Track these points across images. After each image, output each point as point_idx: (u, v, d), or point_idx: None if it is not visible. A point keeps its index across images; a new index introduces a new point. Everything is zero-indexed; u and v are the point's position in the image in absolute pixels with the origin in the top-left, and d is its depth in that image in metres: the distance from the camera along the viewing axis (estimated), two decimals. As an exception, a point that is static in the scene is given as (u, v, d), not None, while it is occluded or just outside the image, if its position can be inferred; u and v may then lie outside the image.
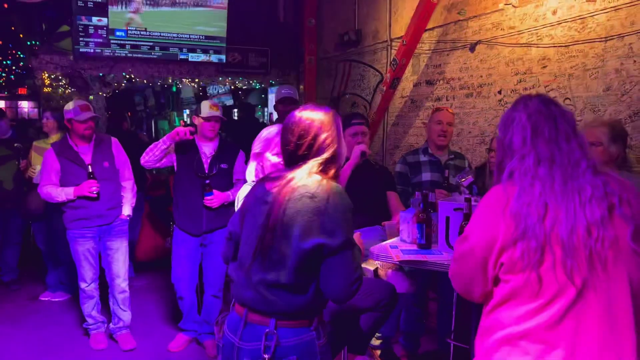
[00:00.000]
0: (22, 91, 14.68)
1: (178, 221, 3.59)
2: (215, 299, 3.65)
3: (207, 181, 3.40)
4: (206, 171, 3.48)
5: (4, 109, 5.27)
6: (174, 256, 3.61)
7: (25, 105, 15.86)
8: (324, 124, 1.67)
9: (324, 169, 1.62)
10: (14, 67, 10.18)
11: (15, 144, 4.65)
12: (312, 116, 1.68)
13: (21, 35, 7.54)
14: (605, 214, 1.32)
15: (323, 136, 1.64)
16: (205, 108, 3.49)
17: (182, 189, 3.56)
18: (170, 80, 6.02)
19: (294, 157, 1.66)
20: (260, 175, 2.43)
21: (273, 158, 2.33)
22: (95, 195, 3.47)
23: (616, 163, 2.53)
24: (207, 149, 3.55)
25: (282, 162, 2.33)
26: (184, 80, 5.95)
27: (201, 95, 9.22)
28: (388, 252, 2.28)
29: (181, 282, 3.60)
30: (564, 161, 1.38)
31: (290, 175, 1.60)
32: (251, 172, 2.44)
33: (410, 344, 3.41)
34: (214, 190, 3.40)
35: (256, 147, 2.41)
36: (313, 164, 1.61)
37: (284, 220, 1.53)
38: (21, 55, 7.42)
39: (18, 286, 5.00)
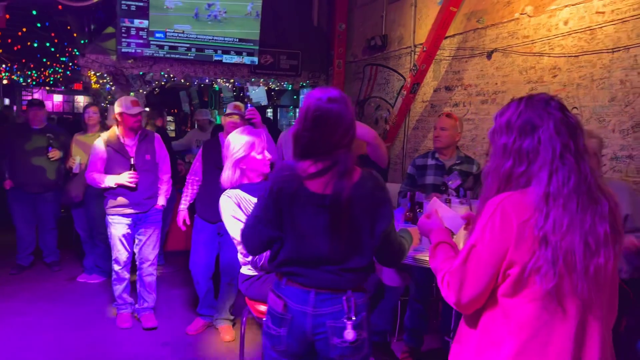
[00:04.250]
0: (78, 87, 15.52)
1: (198, 209, 3.86)
2: (229, 286, 3.88)
3: None
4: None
5: (43, 101, 5.63)
6: (193, 243, 3.88)
7: (80, 100, 16.75)
8: None
9: None
10: (70, 64, 10.83)
11: (47, 134, 5.03)
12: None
13: (75, 35, 8.08)
14: (608, 231, 1.33)
15: None
16: (230, 108, 3.78)
17: (204, 179, 3.83)
18: (207, 81, 6.33)
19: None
20: (240, 180, 2.52)
21: (259, 156, 2.50)
22: (134, 185, 3.77)
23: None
24: None
25: (268, 158, 2.52)
26: (218, 80, 6.25)
27: (240, 96, 9.55)
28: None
29: (197, 268, 3.86)
30: (580, 178, 1.33)
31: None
32: (226, 180, 2.53)
33: (414, 341, 3.50)
34: None
35: (239, 151, 2.50)
36: None
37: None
38: (76, 53, 7.95)
39: (59, 267, 5.39)
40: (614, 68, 3.17)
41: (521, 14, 3.83)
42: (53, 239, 5.43)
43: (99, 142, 3.90)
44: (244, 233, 1.92)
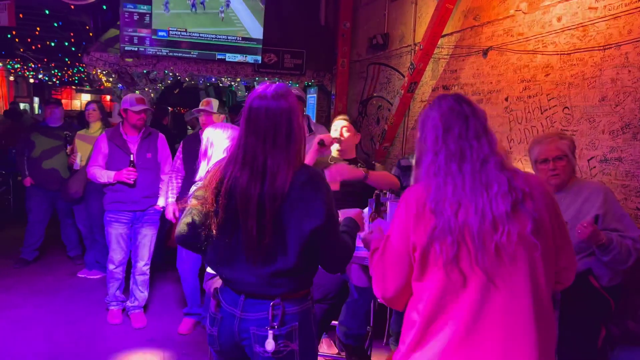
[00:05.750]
0: (103, 85, 15.84)
1: None
2: (216, 285, 3.88)
3: None
4: None
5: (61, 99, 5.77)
6: None
7: (107, 99, 17.10)
8: None
9: None
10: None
11: (65, 132, 5.13)
12: None
13: (91, 34, 8.23)
14: (509, 209, 1.37)
15: None
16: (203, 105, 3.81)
17: (186, 175, 3.84)
18: (213, 79, 6.35)
19: None
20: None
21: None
22: (132, 182, 3.80)
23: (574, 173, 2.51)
24: None
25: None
26: (222, 79, 6.26)
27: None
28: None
29: (184, 264, 3.86)
30: (473, 157, 1.43)
31: None
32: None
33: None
34: None
35: (227, 142, 2.56)
36: None
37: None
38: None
39: (82, 261, 5.40)
40: (605, 66, 3.03)
41: (516, 10, 3.71)
42: (75, 234, 5.53)
43: (103, 137, 3.95)
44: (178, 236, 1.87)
